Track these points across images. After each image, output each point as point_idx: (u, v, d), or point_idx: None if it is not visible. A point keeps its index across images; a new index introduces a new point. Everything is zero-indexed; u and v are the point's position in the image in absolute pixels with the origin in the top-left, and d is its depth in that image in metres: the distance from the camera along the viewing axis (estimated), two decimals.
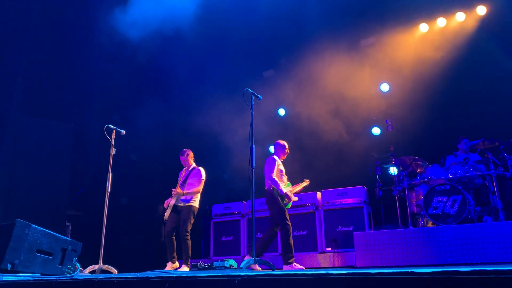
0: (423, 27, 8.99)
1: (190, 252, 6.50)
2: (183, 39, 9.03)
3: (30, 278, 2.88)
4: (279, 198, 6.08)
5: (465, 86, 8.09)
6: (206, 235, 9.19)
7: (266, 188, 6.25)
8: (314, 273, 1.74)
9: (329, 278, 1.69)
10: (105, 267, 5.65)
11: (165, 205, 6.68)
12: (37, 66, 8.72)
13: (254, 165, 5.25)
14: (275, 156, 6.44)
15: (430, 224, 6.49)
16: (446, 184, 6.36)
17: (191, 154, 6.98)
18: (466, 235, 5.82)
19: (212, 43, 9.50)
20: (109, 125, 6.13)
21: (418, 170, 7.12)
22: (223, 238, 8.76)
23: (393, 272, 1.61)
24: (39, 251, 3.47)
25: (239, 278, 1.91)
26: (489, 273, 1.41)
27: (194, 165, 6.96)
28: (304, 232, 7.88)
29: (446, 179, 6.56)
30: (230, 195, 9.66)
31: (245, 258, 5.68)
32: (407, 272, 1.58)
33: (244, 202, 8.78)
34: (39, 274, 3.43)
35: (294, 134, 9.99)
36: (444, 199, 6.32)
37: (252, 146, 5.32)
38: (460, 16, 8.58)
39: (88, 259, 5.79)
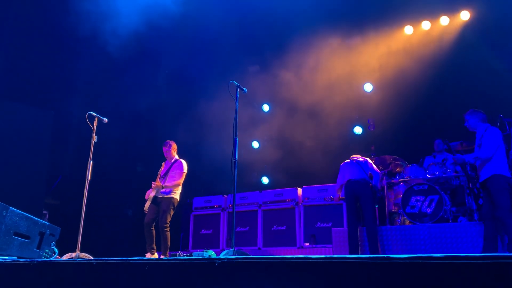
0: (408, 30, 9.12)
1: (169, 244, 6.48)
2: (168, 30, 8.99)
3: (7, 260, 2.85)
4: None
5: (447, 88, 8.26)
6: (186, 227, 9.18)
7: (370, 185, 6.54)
8: (293, 257, 1.78)
9: (308, 262, 1.73)
10: (83, 255, 5.59)
11: (146, 197, 6.64)
12: (16, 51, 8.53)
13: (236, 157, 5.25)
14: None
15: (407, 223, 6.62)
16: (424, 184, 6.50)
17: (174, 145, 6.94)
18: (441, 234, 5.97)
19: (197, 36, 9.46)
20: (91, 113, 6.05)
21: (398, 169, 7.24)
22: (203, 231, 8.76)
23: (371, 257, 1.65)
24: (16, 234, 3.43)
25: (219, 261, 1.93)
26: (461, 259, 1.46)
27: (176, 157, 6.91)
28: (284, 227, 7.95)
29: (424, 179, 6.69)
30: (211, 188, 9.66)
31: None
32: (384, 257, 1.63)
33: (225, 195, 8.80)
34: (16, 257, 3.39)
35: (277, 130, 10.04)
36: (422, 199, 6.45)
37: (236, 138, 5.32)
38: (444, 20, 8.73)
39: (66, 248, 5.72)
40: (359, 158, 6.77)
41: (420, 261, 1.54)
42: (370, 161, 6.75)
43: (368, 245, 6.18)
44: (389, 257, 1.62)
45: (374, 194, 6.50)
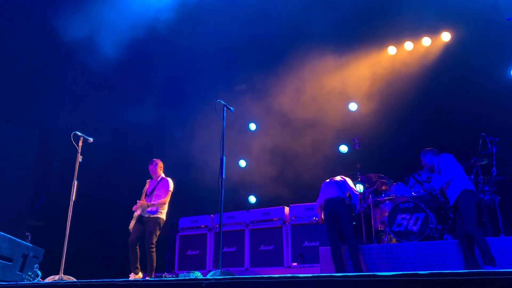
0: (391, 50, 9.32)
1: (155, 265, 6.39)
2: (154, 49, 9.03)
3: None
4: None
5: (431, 106, 8.41)
6: (172, 248, 9.06)
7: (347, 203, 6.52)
8: (281, 276, 1.78)
9: (295, 281, 1.73)
10: (66, 277, 5.48)
11: (134, 209, 6.57)
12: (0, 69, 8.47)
13: (224, 176, 5.25)
14: None
15: (393, 241, 6.64)
16: (410, 202, 6.55)
17: (160, 164, 6.92)
18: (427, 251, 6.00)
19: (184, 55, 9.51)
20: (77, 132, 6.01)
21: (383, 187, 7.30)
22: (189, 252, 8.66)
23: (357, 275, 1.66)
24: None
25: (206, 282, 1.92)
26: (446, 275, 1.48)
27: (162, 175, 6.89)
28: (271, 247, 7.91)
29: (409, 197, 6.76)
30: (198, 208, 9.59)
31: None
32: (370, 275, 1.64)
33: (212, 215, 8.74)
34: None
35: (264, 149, 10.07)
36: (408, 217, 6.49)
37: (223, 157, 5.33)
38: (426, 41, 8.97)
39: (48, 271, 5.60)
40: (338, 178, 6.83)
41: (406, 278, 1.55)
42: (349, 181, 6.78)
43: (351, 263, 6.21)
44: (375, 274, 1.63)
45: (351, 211, 6.52)
